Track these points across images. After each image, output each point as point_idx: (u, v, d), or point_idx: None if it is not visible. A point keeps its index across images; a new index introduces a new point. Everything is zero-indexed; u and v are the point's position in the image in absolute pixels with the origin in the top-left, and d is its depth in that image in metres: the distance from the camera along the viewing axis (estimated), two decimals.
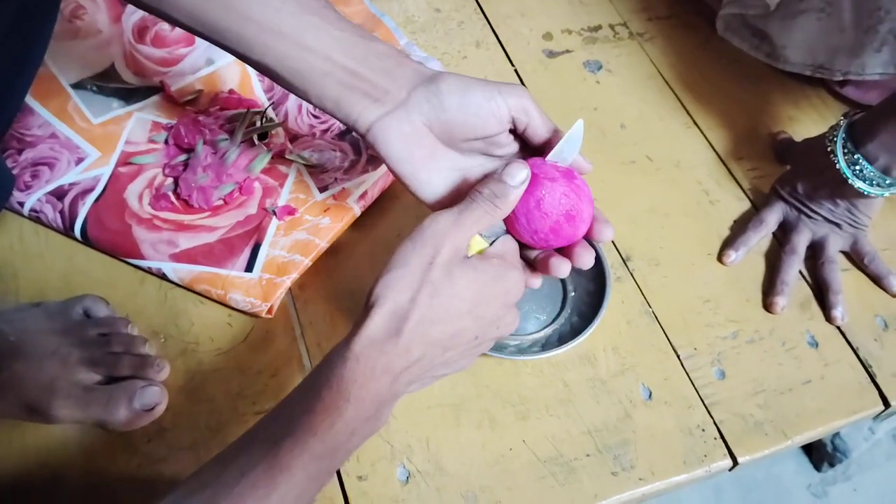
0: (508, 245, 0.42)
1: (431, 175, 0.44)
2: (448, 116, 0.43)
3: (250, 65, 0.44)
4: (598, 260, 0.57)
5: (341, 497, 0.49)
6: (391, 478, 0.50)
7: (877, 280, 0.61)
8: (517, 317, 0.42)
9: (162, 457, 0.49)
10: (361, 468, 0.50)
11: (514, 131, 0.45)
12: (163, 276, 0.56)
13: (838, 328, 0.59)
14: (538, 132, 0.44)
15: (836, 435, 1.14)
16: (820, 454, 1.22)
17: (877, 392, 0.57)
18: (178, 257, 0.55)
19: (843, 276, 0.61)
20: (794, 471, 1.22)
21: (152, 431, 0.50)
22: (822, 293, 0.60)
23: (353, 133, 0.63)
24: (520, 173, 0.40)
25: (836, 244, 0.62)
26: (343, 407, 0.35)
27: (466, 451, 0.51)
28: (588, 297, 0.57)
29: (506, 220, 0.43)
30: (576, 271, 0.56)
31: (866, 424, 1.12)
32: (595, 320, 0.54)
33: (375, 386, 0.36)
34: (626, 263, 0.61)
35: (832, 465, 1.22)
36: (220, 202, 0.59)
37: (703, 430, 0.53)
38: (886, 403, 0.56)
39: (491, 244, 0.42)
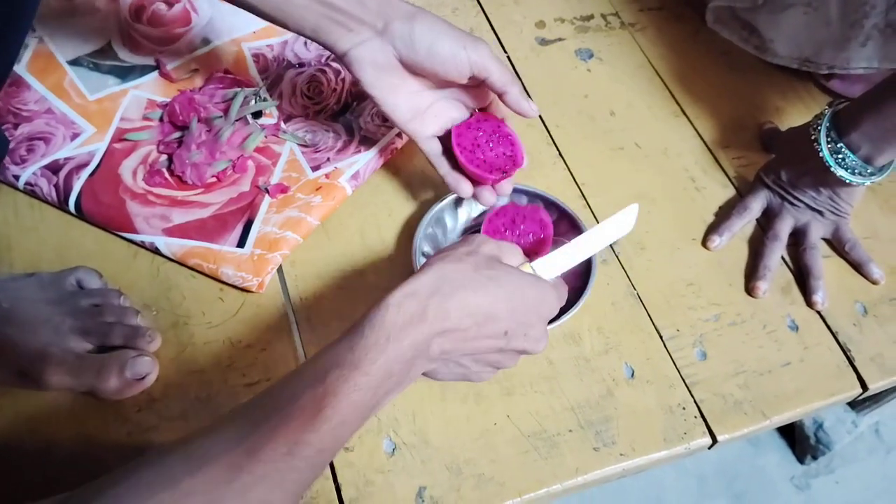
0: (558, 282, 0.47)
1: (399, 99, 0.52)
2: (417, 58, 0.50)
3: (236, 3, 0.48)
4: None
5: (328, 467, 0.50)
6: (377, 449, 0.51)
7: (857, 267, 0.63)
8: (546, 336, 0.44)
9: (152, 426, 0.50)
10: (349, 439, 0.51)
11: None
12: (155, 251, 0.56)
13: (818, 313, 0.61)
14: (495, 87, 0.52)
15: (820, 427, 1.16)
16: (803, 447, 1.24)
17: (855, 375, 0.58)
18: (171, 232, 0.56)
19: (824, 263, 0.62)
20: (777, 463, 1.23)
21: (143, 401, 0.51)
22: (803, 278, 0.62)
23: (346, 115, 0.64)
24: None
25: (818, 231, 0.63)
26: (384, 345, 0.37)
27: (451, 425, 0.52)
28: (574, 278, 0.58)
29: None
30: None
31: (849, 418, 1.14)
32: (580, 301, 0.55)
33: (413, 332, 0.38)
34: (612, 247, 0.62)
35: (815, 457, 1.24)
36: (214, 179, 0.59)
37: (684, 408, 0.55)
38: (864, 386, 0.58)
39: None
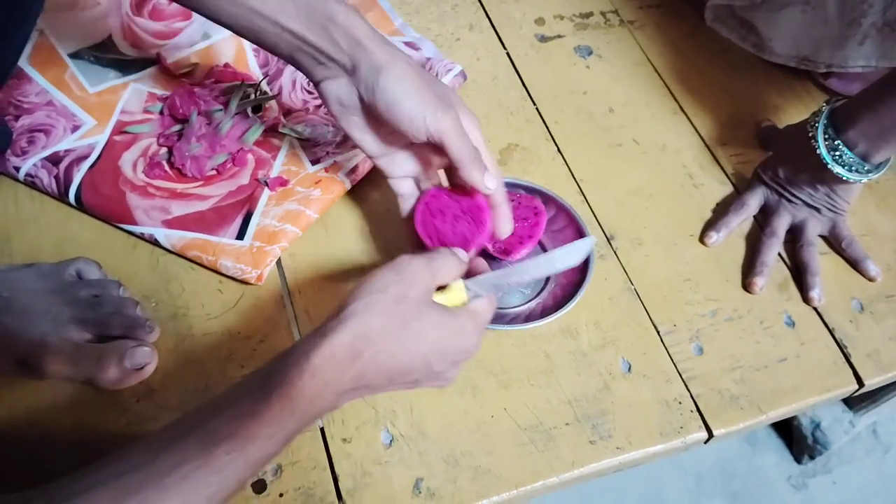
0: (484, 307, 0.44)
1: (365, 136, 0.50)
2: (377, 110, 0.47)
3: (214, 22, 0.48)
4: (582, 237, 0.58)
5: (325, 458, 0.50)
6: (375, 441, 0.51)
7: (854, 264, 0.63)
8: (456, 377, 0.44)
9: (150, 416, 0.50)
10: (346, 431, 0.51)
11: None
12: (155, 242, 0.57)
13: (815, 309, 0.61)
14: (451, 158, 0.47)
15: (817, 427, 1.16)
16: (801, 447, 1.24)
17: (851, 371, 0.58)
18: (171, 224, 0.56)
19: (821, 259, 0.62)
20: (774, 463, 1.23)
21: (141, 391, 0.51)
22: (800, 275, 0.62)
23: None
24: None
25: (815, 228, 0.63)
26: (288, 420, 0.36)
27: (449, 417, 0.52)
28: (572, 273, 0.58)
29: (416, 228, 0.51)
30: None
31: (847, 418, 1.14)
32: (577, 295, 0.55)
33: (321, 403, 0.37)
34: (610, 242, 0.62)
35: (812, 457, 1.24)
36: (213, 172, 0.60)
37: (680, 402, 0.55)
38: (860, 383, 0.58)
39: (470, 300, 0.45)
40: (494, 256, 0.57)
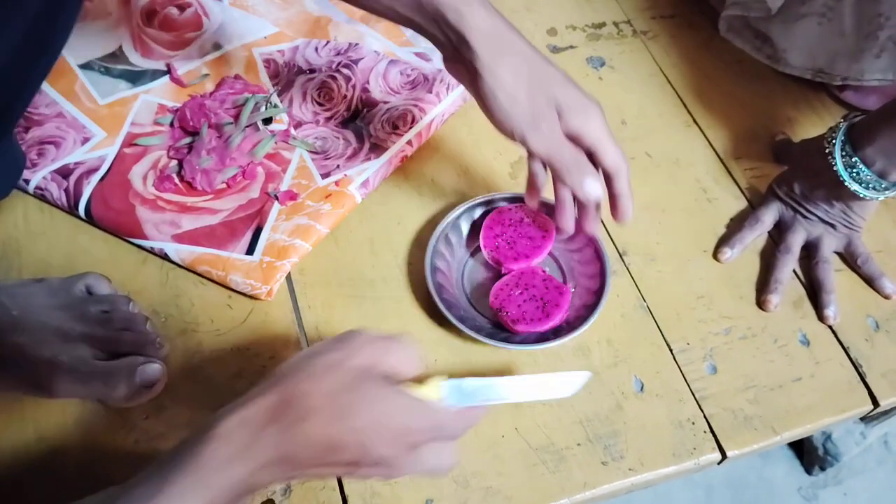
0: (456, 418, 0.38)
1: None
2: None
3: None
4: (600, 258, 0.58)
5: (335, 478, 0.49)
6: None
7: (869, 281, 0.62)
8: (430, 464, 0.37)
9: (160, 433, 0.50)
10: None
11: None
12: (165, 257, 0.56)
13: (830, 327, 0.60)
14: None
15: (828, 439, 1.15)
16: (811, 458, 1.23)
17: (866, 391, 0.57)
18: (181, 238, 0.56)
19: (836, 277, 0.62)
20: (785, 474, 1.22)
21: (151, 409, 0.50)
22: (815, 292, 0.61)
23: (356, 121, 0.64)
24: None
25: (830, 245, 0.62)
26: (193, 489, 0.32)
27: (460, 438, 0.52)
28: (587, 294, 0.57)
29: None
30: (578, 268, 0.58)
31: (858, 429, 1.13)
32: (592, 317, 0.55)
33: (237, 473, 0.33)
34: (622, 258, 0.61)
35: (823, 468, 1.23)
36: (224, 185, 0.59)
37: (694, 423, 0.54)
38: (875, 403, 0.57)
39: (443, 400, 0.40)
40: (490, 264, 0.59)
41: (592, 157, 0.49)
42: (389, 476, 0.37)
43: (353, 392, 0.35)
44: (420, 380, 0.40)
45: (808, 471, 1.22)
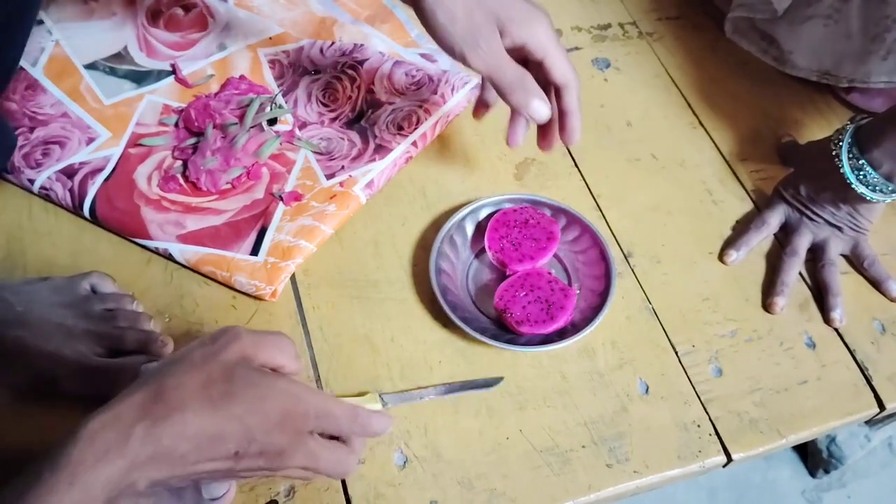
0: (348, 412, 0.38)
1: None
2: None
3: None
4: (605, 259, 0.58)
5: (340, 482, 0.49)
6: (388, 462, 0.50)
7: (876, 284, 0.62)
8: (323, 459, 0.36)
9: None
10: None
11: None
12: (169, 257, 0.56)
13: (836, 330, 0.60)
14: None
15: (832, 441, 1.14)
16: (815, 460, 1.22)
17: (872, 394, 0.57)
18: (185, 238, 0.56)
19: (842, 279, 0.61)
20: (789, 476, 1.22)
21: None
22: (821, 295, 0.61)
23: (361, 122, 0.64)
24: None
25: (836, 247, 0.62)
26: (65, 491, 0.31)
27: (463, 439, 0.52)
28: (592, 295, 0.57)
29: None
30: (583, 269, 0.58)
31: (862, 432, 1.12)
32: (597, 319, 0.55)
33: (107, 469, 0.32)
34: (627, 259, 0.61)
35: (827, 471, 1.22)
36: (228, 186, 0.59)
37: (699, 425, 0.54)
38: (881, 406, 0.57)
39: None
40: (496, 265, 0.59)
41: (541, 71, 0.48)
42: (279, 467, 0.35)
43: (227, 382, 0.34)
44: (360, 395, 0.47)
45: (813, 473, 1.22)
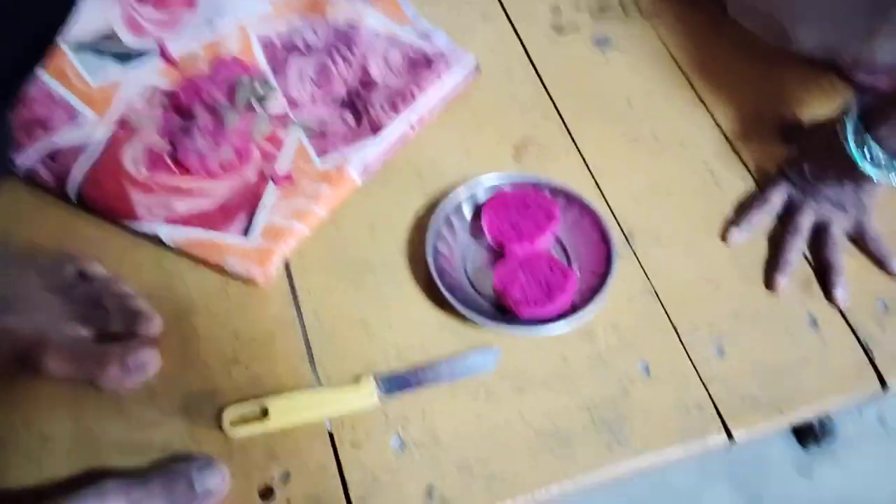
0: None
1: None
2: None
3: None
4: (606, 241, 0.56)
5: (335, 464, 0.48)
6: (385, 447, 0.49)
7: (880, 262, 0.61)
8: None
9: (153, 421, 0.48)
10: (356, 435, 0.49)
11: None
12: (158, 240, 0.55)
13: (839, 310, 0.59)
14: None
15: (825, 415, 1.14)
16: (807, 433, 1.22)
17: (874, 373, 0.56)
18: (174, 221, 0.55)
19: (845, 258, 0.60)
20: (781, 449, 1.22)
21: (143, 396, 0.49)
22: (824, 274, 0.60)
23: (355, 102, 0.63)
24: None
25: (840, 225, 0.61)
26: None
27: (462, 423, 0.50)
28: (592, 277, 0.56)
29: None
30: (583, 251, 0.57)
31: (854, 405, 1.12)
32: (597, 299, 0.54)
33: None
34: (628, 241, 0.60)
35: (819, 444, 1.23)
36: (218, 167, 0.58)
37: (701, 406, 0.53)
38: (884, 384, 0.56)
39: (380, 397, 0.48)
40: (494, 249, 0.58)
41: None
42: None
43: None
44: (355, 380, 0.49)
45: (804, 446, 1.22)
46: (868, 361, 0.57)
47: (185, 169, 0.57)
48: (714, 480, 1.15)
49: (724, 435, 0.52)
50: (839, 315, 0.59)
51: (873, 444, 1.27)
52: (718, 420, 0.53)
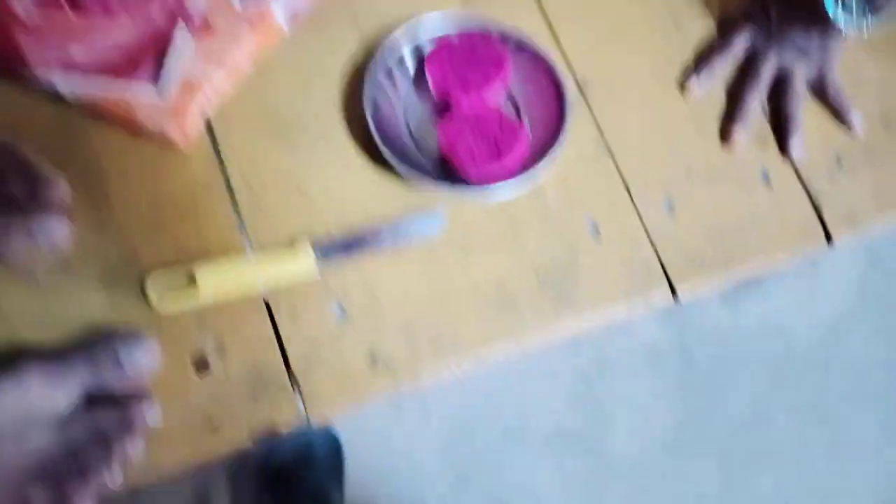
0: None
1: None
2: None
3: None
4: (559, 91, 0.52)
5: (273, 334, 0.46)
6: (325, 315, 0.47)
7: (838, 114, 0.59)
8: None
9: (70, 294, 0.45)
10: (293, 303, 0.47)
11: None
12: (58, 97, 0.48)
13: (792, 165, 0.57)
14: None
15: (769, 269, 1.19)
16: None
17: (822, 228, 0.56)
18: (71, 67, 0.48)
19: (802, 113, 0.58)
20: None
21: (57, 268, 0.45)
22: (780, 126, 0.57)
23: None
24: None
25: (802, 75, 0.58)
26: None
27: (405, 286, 0.49)
28: (543, 131, 0.53)
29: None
30: (534, 102, 0.53)
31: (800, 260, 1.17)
32: (548, 156, 0.51)
33: None
34: (581, 90, 0.56)
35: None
36: (117, 3, 0.50)
37: (648, 264, 0.52)
38: (829, 239, 0.56)
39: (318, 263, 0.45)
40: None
41: None
42: None
43: None
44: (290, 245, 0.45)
45: None
46: (816, 216, 0.56)
47: (79, 7, 0.49)
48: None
49: (670, 294, 0.52)
50: (792, 170, 0.57)
51: (798, 278, 1.33)
52: (664, 278, 0.52)
